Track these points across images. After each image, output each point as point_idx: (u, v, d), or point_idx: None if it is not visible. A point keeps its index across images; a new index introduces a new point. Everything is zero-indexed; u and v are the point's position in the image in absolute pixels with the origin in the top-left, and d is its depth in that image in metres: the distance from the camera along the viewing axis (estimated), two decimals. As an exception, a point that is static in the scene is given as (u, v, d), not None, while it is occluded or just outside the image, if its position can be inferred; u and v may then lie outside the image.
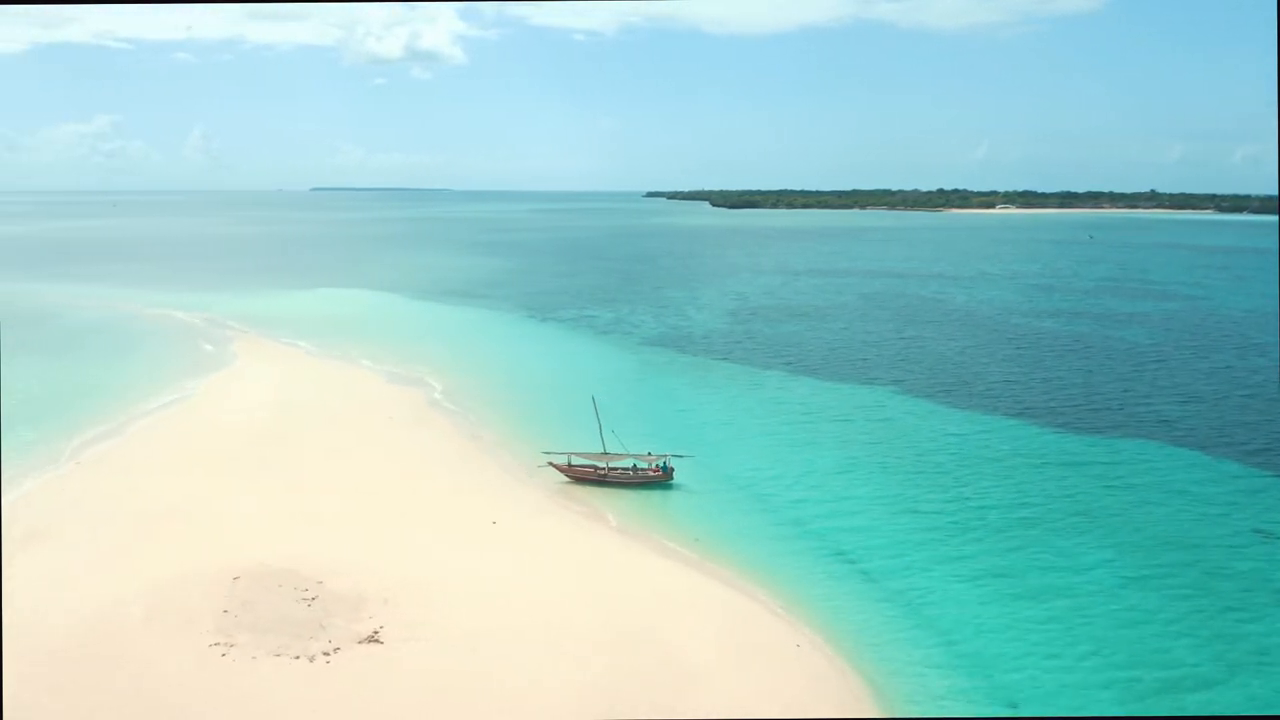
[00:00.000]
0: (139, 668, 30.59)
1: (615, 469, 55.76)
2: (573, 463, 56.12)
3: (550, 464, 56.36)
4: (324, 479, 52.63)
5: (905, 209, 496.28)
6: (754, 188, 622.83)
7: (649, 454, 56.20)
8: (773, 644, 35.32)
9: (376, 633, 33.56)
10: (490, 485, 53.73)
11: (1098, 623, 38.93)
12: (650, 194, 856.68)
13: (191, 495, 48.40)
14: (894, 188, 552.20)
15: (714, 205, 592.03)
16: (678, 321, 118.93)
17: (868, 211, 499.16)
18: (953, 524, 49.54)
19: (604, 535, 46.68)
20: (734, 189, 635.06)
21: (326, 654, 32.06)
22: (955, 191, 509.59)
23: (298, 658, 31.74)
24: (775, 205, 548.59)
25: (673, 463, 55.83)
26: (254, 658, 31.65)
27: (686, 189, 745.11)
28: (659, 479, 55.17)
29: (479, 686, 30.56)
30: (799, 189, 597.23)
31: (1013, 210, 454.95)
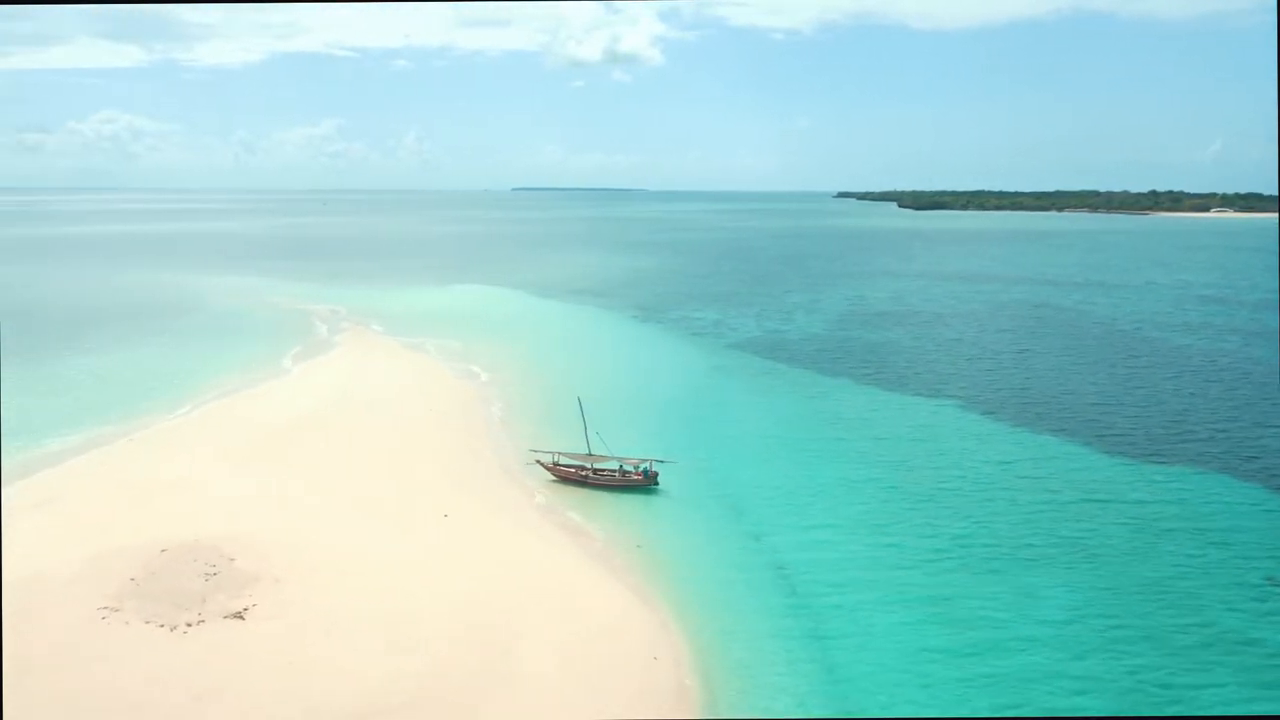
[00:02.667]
0: (28, 624, 34.01)
1: (601, 471, 56.04)
2: (558, 462, 56.86)
3: (538, 462, 57.35)
4: (321, 465, 55.91)
5: (1108, 212, 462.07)
6: (947, 188, 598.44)
7: (635, 459, 56.13)
8: (630, 655, 34.81)
9: (245, 610, 35.75)
10: (475, 481, 55.29)
11: (1006, 673, 35.83)
12: (841, 194, 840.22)
13: (189, 473, 52.75)
14: (1101, 189, 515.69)
15: (901, 206, 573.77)
16: (779, 325, 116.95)
17: (1064, 214, 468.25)
18: (921, 554, 46.57)
19: (544, 535, 47.12)
20: (927, 190, 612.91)
21: (190, 624, 34.51)
22: (1168, 193, 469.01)
23: (162, 626, 34.36)
24: (965, 206, 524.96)
25: (657, 468, 55.52)
26: (127, 623, 34.56)
27: (878, 190, 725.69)
28: (641, 483, 55.01)
29: (298, 666, 32.01)
30: (995, 190, 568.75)
31: (1229, 214, 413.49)
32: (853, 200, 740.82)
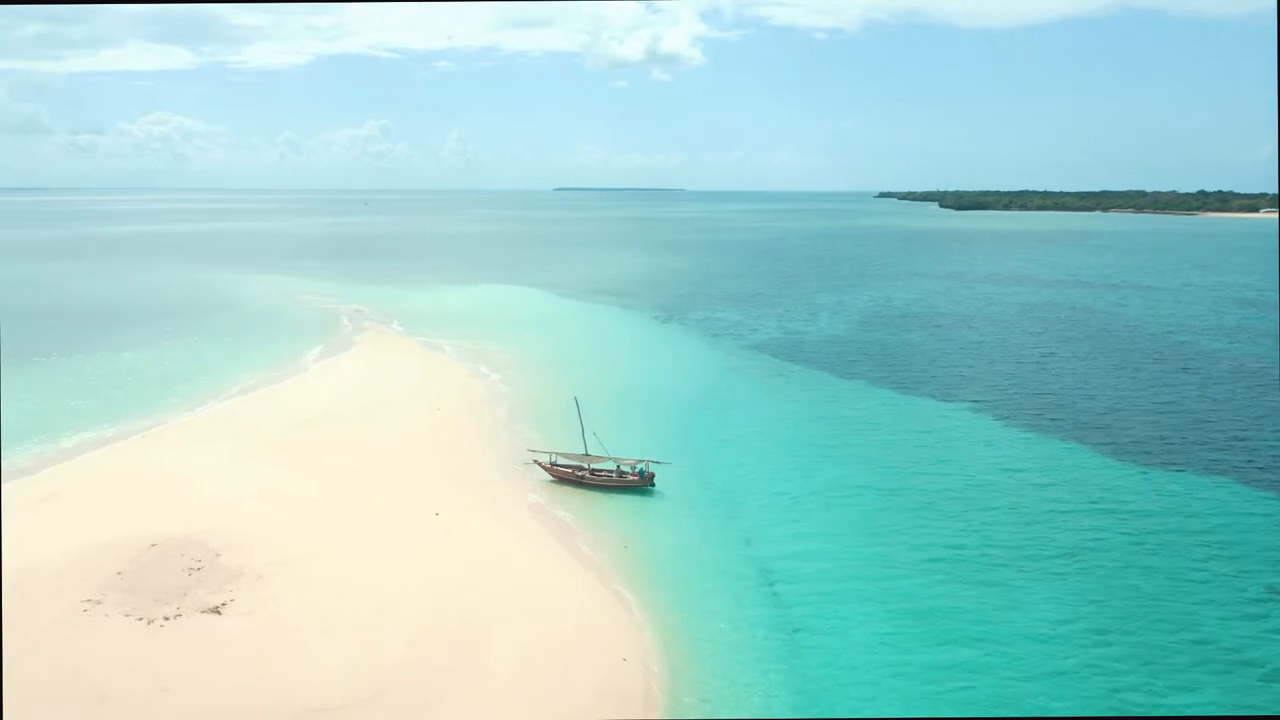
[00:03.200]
0: (11, 615, 34.82)
1: (598, 471, 56.08)
2: (555, 463, 57.00)
3: (535, 462, 57.55)
4: (322, 463, 56.58)
5: (1154, 212, 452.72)
6: (990, 188, 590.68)
7: (632, 460, 56.11)
8: (598, 656, 34.80)
9: (222, 605, 36.30)
10: (471, 480, 55.55)
11: (978, 685, 35.27)
12: (882, 194, 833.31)
13: (192, 470, 53.65)
14: (1148, 189, 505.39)
15: (943, 206, 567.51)
16: (800, 327, 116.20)
17: (1109, 214, 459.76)
18: (911, 562, 45.92)
19: (530, 534, 47.25)
20: (969, 190, 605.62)
21: (167, 619, 35.12)
22: (1216, 193, 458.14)
23: (140, 619, 35.01)
24: (1008, 207, 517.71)
25: (653, 469, 55.45)
26: (106, 615, 35.27)
27: (920, 190, 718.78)
28: (637, 484, 54.97)
29: (266, 662, 32.43)
30: (1039, 190, 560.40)
31: (1277, 215, 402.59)
32: (894, 200, 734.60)
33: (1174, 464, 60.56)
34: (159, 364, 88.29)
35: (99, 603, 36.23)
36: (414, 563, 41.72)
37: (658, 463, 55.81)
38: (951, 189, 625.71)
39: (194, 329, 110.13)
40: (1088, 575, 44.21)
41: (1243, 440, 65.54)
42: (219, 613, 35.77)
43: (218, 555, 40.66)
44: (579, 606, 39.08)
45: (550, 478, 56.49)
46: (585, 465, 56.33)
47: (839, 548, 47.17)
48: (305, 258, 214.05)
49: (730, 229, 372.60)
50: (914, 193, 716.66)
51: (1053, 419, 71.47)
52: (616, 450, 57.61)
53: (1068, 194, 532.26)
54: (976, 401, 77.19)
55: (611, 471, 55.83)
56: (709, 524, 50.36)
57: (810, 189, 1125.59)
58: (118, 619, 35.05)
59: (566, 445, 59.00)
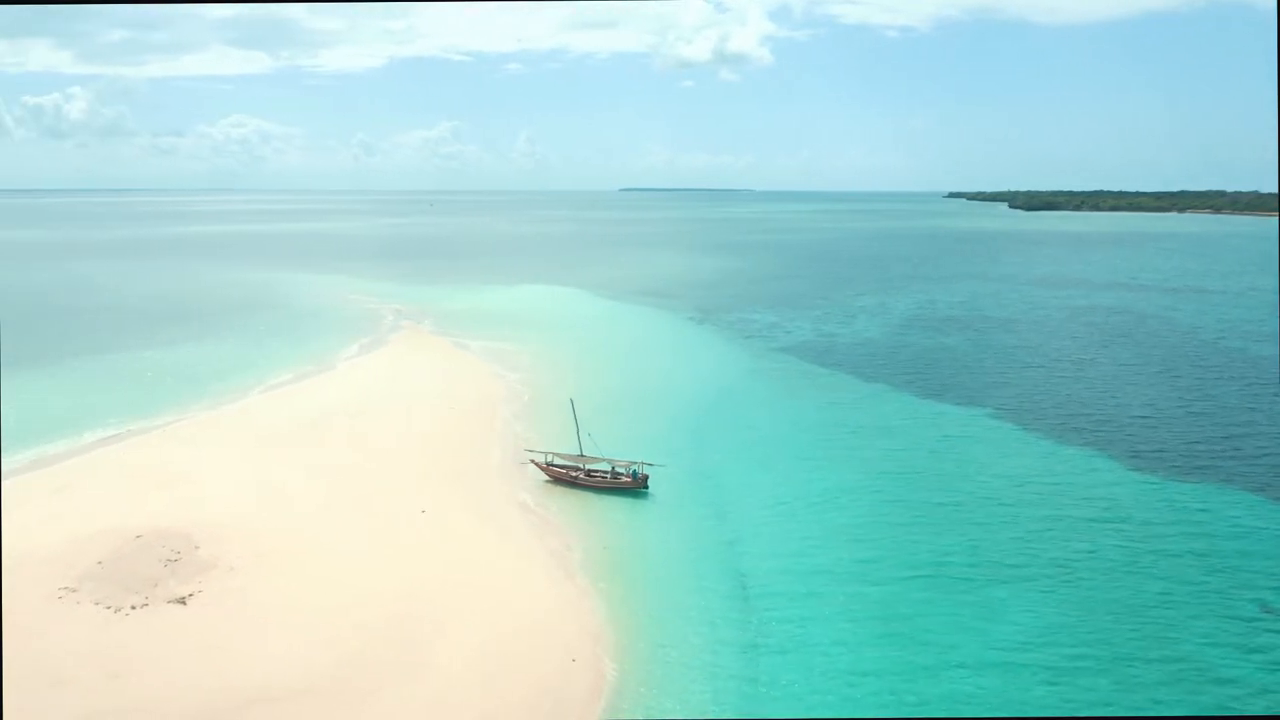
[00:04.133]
0: (-5, 600, 36.24)
1: (593, 472, 56.19)
2: (551, 463, 57.27)
3: (532, 461, 57.90)
4: (324, 459, 57.73)
5: (1233, 213, 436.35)
6: (1063, 188, 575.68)
7: (626, 461, 56.12)
8: (548, 656, 34.92)
9: (189, 596, 37.32)
10: (466, 479, 56.10)
11: (935, 698, 34.49)
12: (951, 195, 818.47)
13: (198, 464, 55.22)
14: (1228, 189, 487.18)
15: (1012, 207, 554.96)
16: (835, 329, 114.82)
17: (1185, 215, 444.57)
18: (894, 570, 45.02)
19: (510, 533, 47.57)
20: (1041, 189, 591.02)
21: (134, 607, 36.24)
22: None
23: (109, 607, 36.20)
24: (1080, 207, 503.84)
25: (648, 470, 55.39)
26: (78, 603, 36.55)
27: (990, 190, 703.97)
28: (631, 486, 54.96)
29: (219, 652, 33.25)
30: (1113, 190, 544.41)
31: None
32: (963, 200, 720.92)
33: (1193, 475, 58.41)
34: (196, 361, 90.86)
35: (74, 590, 37.56)
36: (387, 558, 42.36)
37: (650, 465, 55.68)
38: (1023, 189, 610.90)
39: (239, 327, 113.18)
40: (1074, 588, 42.90)
41: (1270, 453, 62.91)
42: (184, 603, 36.79)
43: (197, 548, 41.82)
44: (542, 606, 39.25)
45: (546, 478, 56.78)
46: (580, 466, 56.48)
47: (822, 557, 46.45)
48: (361, 258, 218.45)
49: (789, 229, 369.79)
50: (984, 193, 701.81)
51: (1076, 428, 69.43)
52: (613, 452, 57.65)
53: (1143, 194, 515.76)
54: (1000, 408, 75.33)
55: (606, 473, 55.90)
56: (695, 528, 50.08)
57: (879, 189, 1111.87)
58: (88, 606, 36.29)
59: (570, 445, 59.13)
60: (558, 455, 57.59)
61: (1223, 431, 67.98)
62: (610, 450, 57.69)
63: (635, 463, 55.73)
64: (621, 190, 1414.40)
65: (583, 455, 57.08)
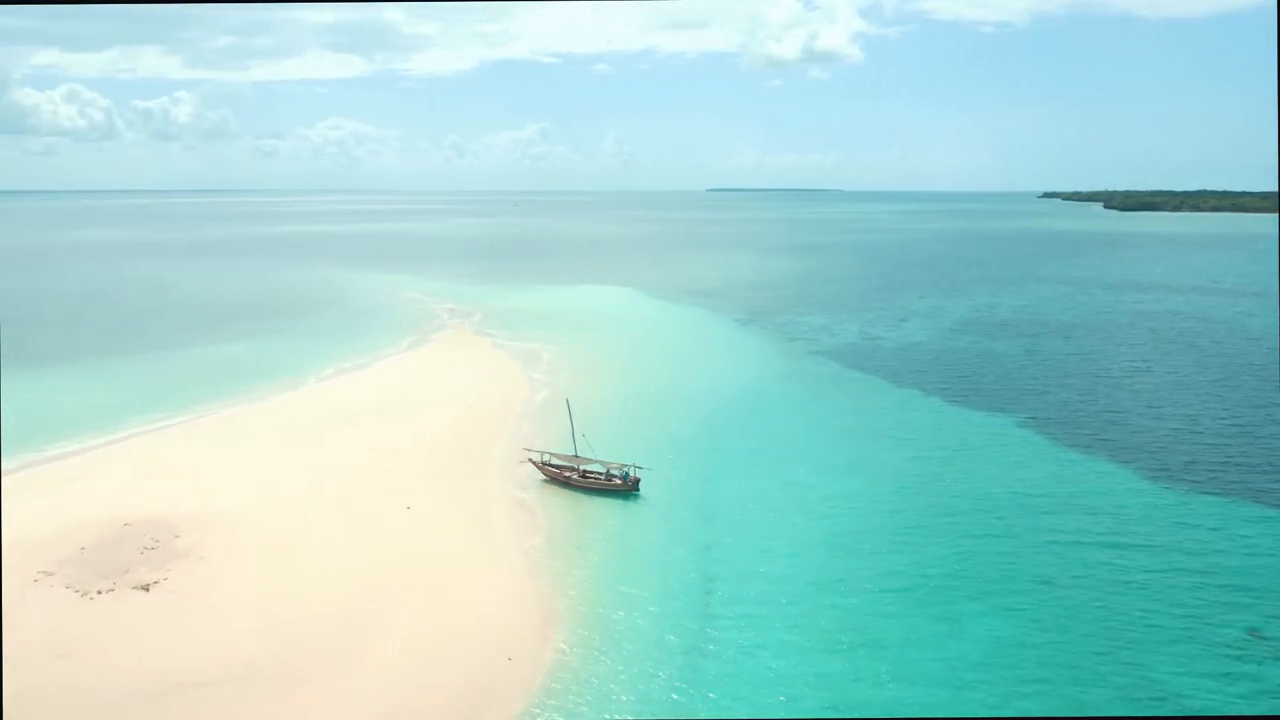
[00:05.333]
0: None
1: (589, 473, 56.37)
2: (547, 462, 57.64)
3: (529, 460, 58.38)
4: (330, 455, 59.28)
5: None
6: (1163, 188, 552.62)
7: (618, 464, 56.16)
8: (485, 654, 35.22)
9: (153, 583, 38.78)
10: (462, 477, 56.84)
11: (865, 708, 33.64)
12: (1046, 195, 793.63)
13: (204, 458, 57.29)
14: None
15: (1107, 207, 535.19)
16: (883, 332, 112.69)
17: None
18: (866, 580, 43.97)
19: (486, 530, 48.05)
20: (1139, 189, 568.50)
21: (100, 592, 37.86)
22: None
23: (77, 592, 37.90)
24: (1179, 208, 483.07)
25: (639, 473, 55.36)
26: (50, 587, 38.35)
27: (1086, 189, 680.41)
28: (621, 488, 54.98)
29: (164, 638, 34.48)
30: (1216, 190, 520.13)
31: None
32: (1057, 201, 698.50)
33: (1217, 492, 55.54)
34: (241, 359, 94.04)
35: (51, 574, 39.43)
36: (356, 553, 43.27)
37: (640, 468, 55.61)
38: (1120, 189, 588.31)
39: (294, 325, 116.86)
40: (1049, 607, 41.26)
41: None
42: (148, 590, 38.27)
43: (176, 537, 43.44)
44: (495, 602, 39.61)
45: (543, 477, 57.18)
46: (575, 466, 56.72)
47: (798, 565, 45.66)
48: (433, 258, 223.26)
49: (868, 230, 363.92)
50: (1079, 193, 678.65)
51: (1103, 439, 66.66)
52: (612, 454, 57.75)
53: (1248, 194, 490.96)
54: (1031, 418, 72.79)
55: (600, 474, 56.00)
56: (676, 531, 49.76)
57: (971, 189, 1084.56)
58: (59, 590, 38.06)
59: (582, 446, 59.29)
60: (554, 455, 57.95)
61: (1263, 448, 64.49)
62: (610, 452, 57.82)
63: (626, 465, 55.71)
64: (709, 190, 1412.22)
65: (577, 456, 57.30)
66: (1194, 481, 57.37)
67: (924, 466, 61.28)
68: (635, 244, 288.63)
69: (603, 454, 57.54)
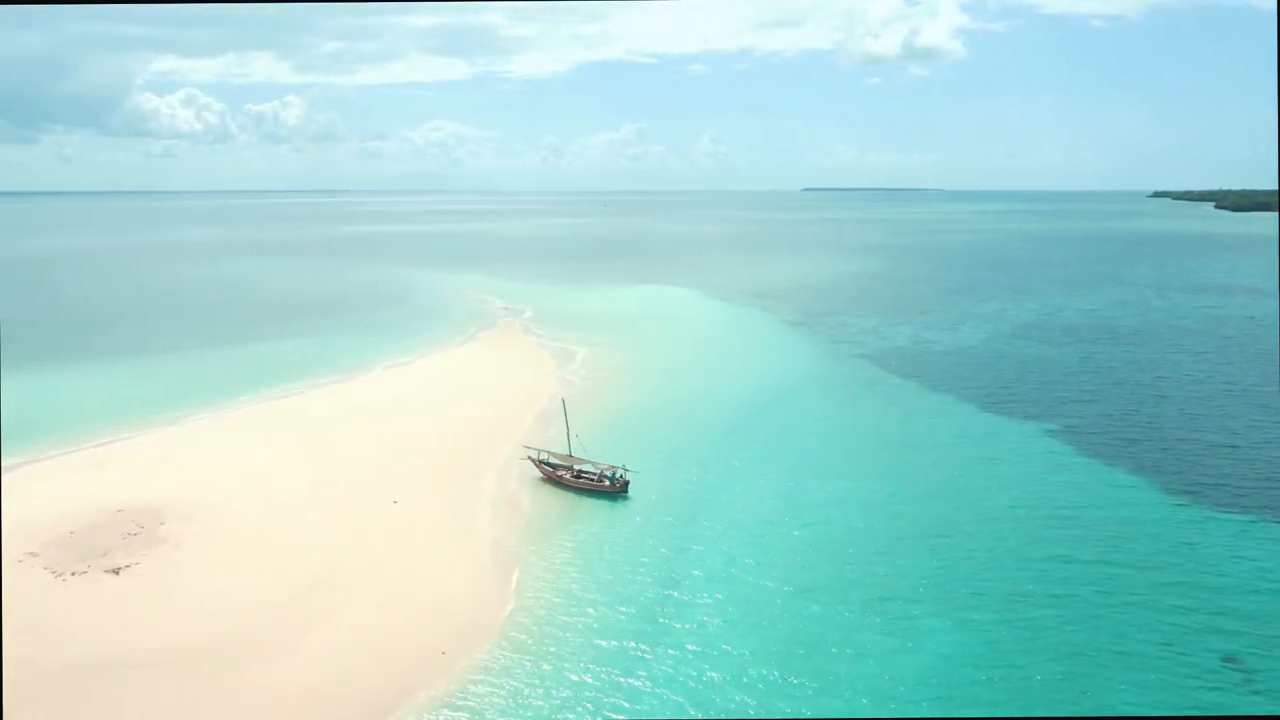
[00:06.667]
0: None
1: (582, 474, 56.64)
2: (544, 461, 58.15)
3: (529, 458, 59.01)
4: (340, 448, 61.09)
5: None
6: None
7: (608, 465, 56.34)
8: (420, 648, 35.86)
9: (124, 567, 40.65)
10: (461, 473, 57.83)
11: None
12: (1156, 194, 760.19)
13: (219, 450, 59.68)
14: None
15: (1218, 207, 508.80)
16: (936, 335, 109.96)
17: None
18: (835, 590, 43.14)
19: (463, 526, 48.79)
20: (1258, 189, 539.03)
21: (73, 574, 39.89)
22: None
23: (54, 573, 40.01)
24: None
25: (627, 476, 55.47)
26: (31, 568, 40.57)
27: (1198, 189, 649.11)
28: (610, 490, 55.12)
29: (118, 620, 36.15)
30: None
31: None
32: (1167, 200, 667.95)
33: (1235, 512, 52.55)
34: (290, 355, 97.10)
35: (36, 556, 41.74)
36: (330, 545, 44.55)
37: (629, 470, 55.69)
38: (1236, 188, 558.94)
39: (353, 322, 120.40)
40: (1015, 626, 39.70)
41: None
42: (117, 573, 40.17)
43: (161, 524, 45.45)
44: (449, 597, 40.27)
45: (540, 475, 57.74)
46: (570, 466, 57.08)
47: (766, 574, 44.91)
48: (507, 258, 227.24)
49: (955, 230, 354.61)
50: (1191, 192, 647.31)
51: (1132, 454, 63.55)
52: (612, 454, 58.00)
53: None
54: (1063, 428, 69.98)
55: (594, 475, 56.24)
56: (652, 536, 49.49)
57: (1077, 188, 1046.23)
58: (38, 571, 40.28)
59: (593, 445, 59.73)
60: (552, 455, 58.43)
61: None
62: (613, 453, 58.23)
63: (616, 467, 55.83)
64: (804, 190, 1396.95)
65: (571, 456, 57.67)
66: (1215, 502, 54.35)
67: (932, 476, 59.66)
68: (714, 244, 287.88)
69: (607, 454, 57.81)
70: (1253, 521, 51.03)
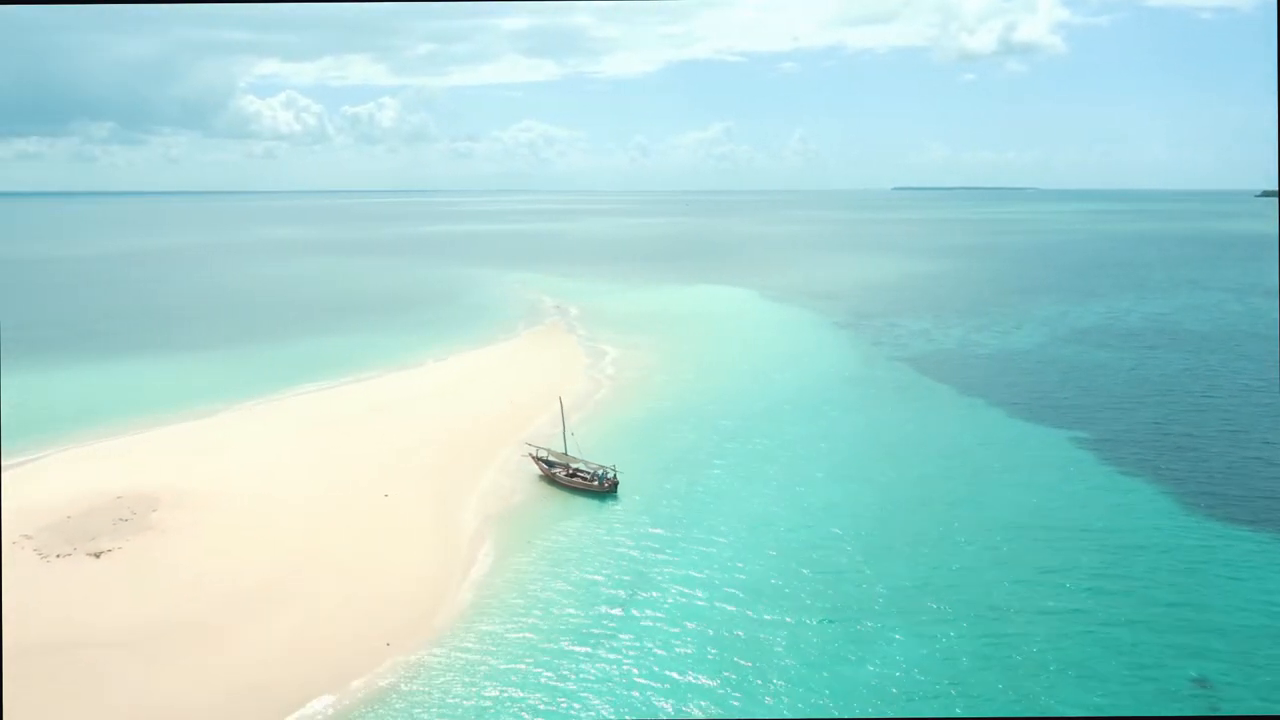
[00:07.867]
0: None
1: (576, 472, 56.85)
2: (542, 459, 58.57)
3: (530, 455, 59.55)
4: (353, 441, 62.70)
5: None
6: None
7: (599, 465, 56.49)
8: (367, 639, 36.56)
9: (106, 551, 42.41)
10: (462, 469, 58.62)
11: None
12: (1264, 194, 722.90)
13: (234, 442, 61.80)
14: None
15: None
16: (986, 339, 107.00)
17: None
18: (802, 598, 42.38)
19: (450, 522, 49.41)
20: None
21: (59, 556, 41.82)
22: None
23: (41, 555, 42.02)
24: None
25: (617, 476, 55.54)
26: (22, 550, 42.66)
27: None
28: (599, 489, 55.22)
29: (89, 603, 37.79)
30: None
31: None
32: (1275, 200, 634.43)
33: (1254, 531, 49.80)
34: (334, 350, 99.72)
35: (30, 538, 43.91)
36: (309, 535, 45.78)
37: (616, 470, 55.74)
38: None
39: (404, 320, 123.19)
40: (983, 640, 38.31)
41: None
42: (98, 557, 41.97)
43: (153, 511, 47.31)
44: (410, 592, 40.94)
45: (539, 473, 58.20)
46: (565, 465, 57.37)
47: (736, 578, 44.32)
48: (572, 257, 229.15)
49: (1039, 231, 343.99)
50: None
51: (1158, 466, 60.44)
52: (612, 454, 58.20)
53: None
54: (1094, 438, 66.98)
55: (588, 474, 56.43)
56: (631, 536, 49.25)
57: (1181, 187, 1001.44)
58: (27, 553, 42.38)
59: (605, 446, 60.04)
60: (550, 452, 58.84)
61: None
62: (615, 453, 58.63)
63: (603, 467, 55.95)
64: (894, 189, 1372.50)
65: (566, 454, 57.97)
66: (1238, 520, 51.39)
67: (939, 484, 57.99)
68: (786, 244, 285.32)
69: (609, 454, 58.03)
70: (1269, 542, 48.31)
